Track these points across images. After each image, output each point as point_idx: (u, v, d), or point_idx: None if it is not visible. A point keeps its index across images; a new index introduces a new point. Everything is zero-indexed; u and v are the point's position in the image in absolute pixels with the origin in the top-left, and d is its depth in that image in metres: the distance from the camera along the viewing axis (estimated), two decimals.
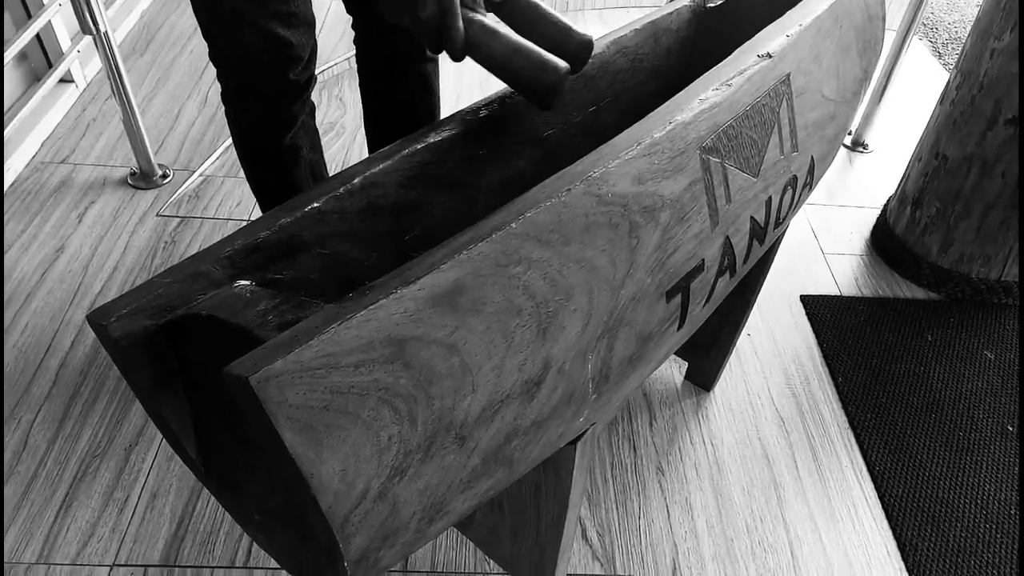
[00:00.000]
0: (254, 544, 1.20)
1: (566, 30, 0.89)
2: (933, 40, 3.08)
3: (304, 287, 0.78)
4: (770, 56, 0.84)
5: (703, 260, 0.78)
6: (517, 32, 0.93)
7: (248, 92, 1.15)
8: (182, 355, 0.69)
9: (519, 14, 0.90)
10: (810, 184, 0.99)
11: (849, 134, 2.19)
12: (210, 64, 2.27)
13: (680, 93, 0.78)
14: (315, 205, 0.78)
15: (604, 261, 0.66)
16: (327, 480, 0.53)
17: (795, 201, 0.96)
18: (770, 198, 0.87)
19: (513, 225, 0.60)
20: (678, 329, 0.80)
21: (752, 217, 0.85)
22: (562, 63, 0.86)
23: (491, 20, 0.87)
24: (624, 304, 0.70)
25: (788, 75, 0.87)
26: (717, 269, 0.81)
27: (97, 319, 0.64)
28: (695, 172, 0.74)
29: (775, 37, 0.87)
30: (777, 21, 0.91)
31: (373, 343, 0.54)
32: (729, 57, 0.84)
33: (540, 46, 0.92)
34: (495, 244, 0.59)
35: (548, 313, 0.63)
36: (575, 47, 0.90)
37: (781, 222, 0.95)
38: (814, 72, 0.92)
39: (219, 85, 1.18)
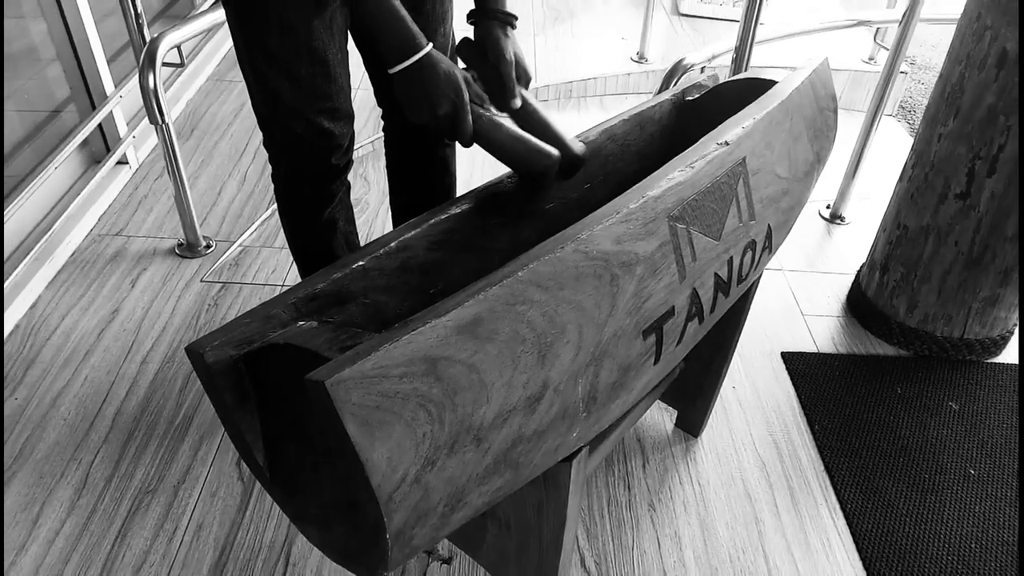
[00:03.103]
0: (288, 571, 1.35)
1: (566, 145, 1.11)
2: (911, 122, 3.33)
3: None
4: (727, 144, 1.04)
5: (673, 307, 0.96)
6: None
7: (296, 174, 1.35)
8: (256, 381, 0.87)
9: (530, 120, 1.12)
10: (769, 248, 1.18)
11: (828, 207, 2.40)
12: (247, 147, 2.53)
13: (652, 174, 0.97)
14: (360, 263, 0.97)
15: (591, 304, 0.85)
16: (377, 463, 0.70)
17: (756, 262, 1.14)
18: (731, 258, 1.06)
19: (519, 274, 0.79)
20: (655, 364, 0.97)
21: (716, 273, 1.03)
22: (554, 151, 1.07)
23: (495, 115, 1.08)
24: (608, 339, 0.87)
25: (744, 158, 1.07)
26: (686, 315, 0.99)
27: (195, 349, 0.82)
28: (664, 236, 0.93)
29: (733, 128, 1.07)
30: (735, 116, 1.12)
31: (413, 360, 0.72)
32: (694, 145, 1.04)
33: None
34: (505, 288, 0.78)
35: (546, 343, 0.81)
36: (569, 160, 1.11)
37: (744, 279, 1.13)
38: (767, 156, 1.12)
39: (269, 167, 1.39)
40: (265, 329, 0.87)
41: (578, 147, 1.12)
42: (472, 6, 1.17)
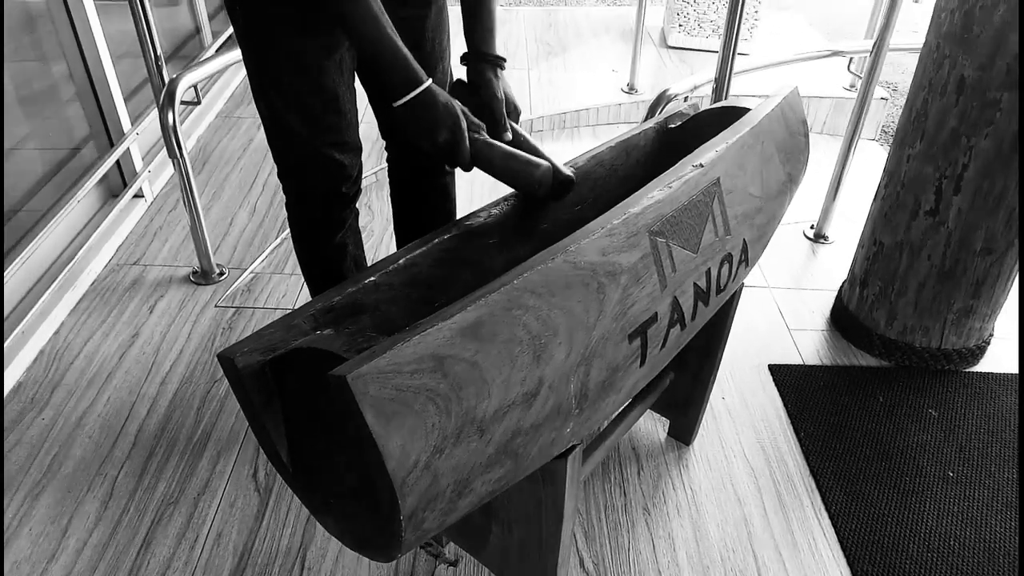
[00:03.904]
0: (304, 573, 1.43)
1: (556, 169, 1.22)
2: None
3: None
4: (702, 166, 1.14)
5: (656, 313, 1.06)
6: None
7: (309, 202, 1.46)
8: (280, 384, 0.96)
9: (521, 149, 1.23)
10: (746, 261, 1.28)
11: (812, 227, 2.51)
12: (256, 179, 2.65)
13: (634, 194, 1.08)
14: (372, 278, 1.07)
15: (580, 309, 0.94)
16: (392, 450, 0.79)
17: (733, 274, 1.24)
18: (709, 269, 1.16)
19: (515, 282, 0.89)
20: (641, 366, 1.07)
21: (695, 283, 1.13)
22: (544, 161, 1.18)
23: (489, 139, 1.19)
24: (596, 341, 0.97)
25: (718, 179, 1.17)
26: (668, 321, 1.09)
27: (226, 355, 0.92)
28: (646, 248, 1.03)
29: (707, 152, 1.18)
30: (710, 140, 1.22)
31: (423, 358, 0.81)
32: (672, 168, 1.15)
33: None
34: (503, 294, 0.88)
35: (540, 344, 0.91)
36: (559, 182, 1.22)
37: (723, 289, 1.23)
38: (740, 176, 1.22)
39: (278, 198, 1.49)
40: (288, 337, 0.97)
41: (567, 171, 1.23)
42: (465, 49, 1.29)
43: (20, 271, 1.94)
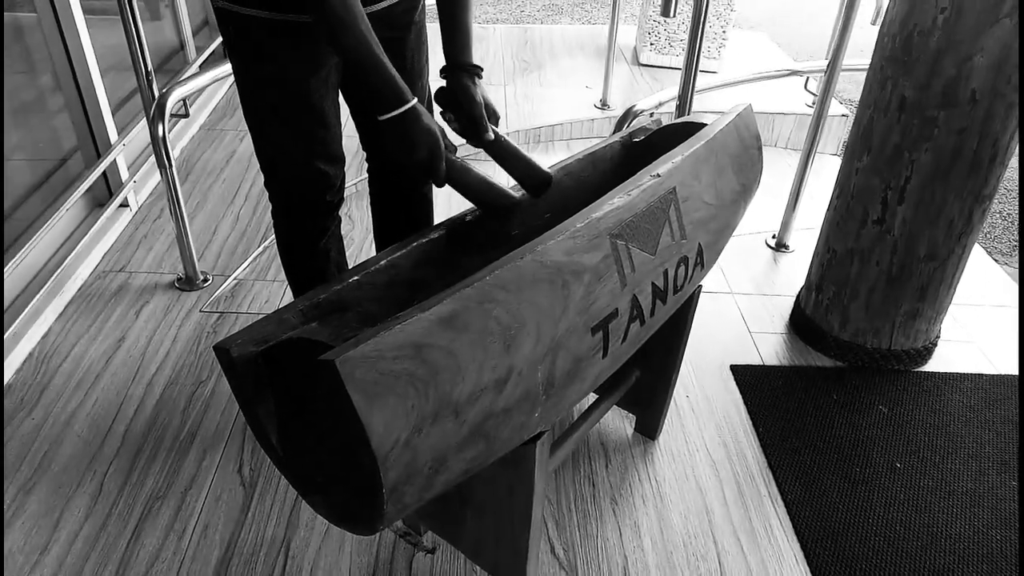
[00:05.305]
0: (288, 563, 1.50)
1: (535, 167, 1.33)
2: None
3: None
4: (659, 176, 1.25)
5: (617, 309, 1.15)
6: (498, 162, 1.37)
7: (295, 210, 1.54)
8: (271, 375, 1.05)
9: (502, 150, 1.34)
10: (702, 263, 1.38)
11: (773, 237, 2.63)
12: (239, 190, 2.73)
13: (596, 200, 1.18)
14: (356, 278, 1.16)
15: (547, 303, 1.04)
16: (376, 427, 0.88)
17: (689, 275, 1.35)
18: (666, 270, 1.26)
19: (487, 278, 0.98)
20: (603, 357, 1.16)
21: (653, 283, 1.23)
22: (514, 193, 1.29)
23: (466, 163, 1.29)
24: (562, 333, 1.06)
25: (674, 188, 1.28)
26: (628, 317, 1.19)
27: (222, 346, 1.00)
28: (607, 249, 1.13)
29: (664, 164, 1.29)
30: (667, 153, 1.33)
31: (404, 345, 0.90)
32: (632, 177, 1.25)
33: (514, 176, 1.36)
34: (476, 289, 0.97)
35: (510, 335, 1.00)
36: (539, 180, 1.33)
37: (680, 289, 1.33)
38: (695, 186, 1.33)
39: (260, 208, 1.58)
40: (279, 330, 1.05)
41: (546, 170, 1.34)
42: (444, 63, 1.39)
43: (9, 277, 2.00)
